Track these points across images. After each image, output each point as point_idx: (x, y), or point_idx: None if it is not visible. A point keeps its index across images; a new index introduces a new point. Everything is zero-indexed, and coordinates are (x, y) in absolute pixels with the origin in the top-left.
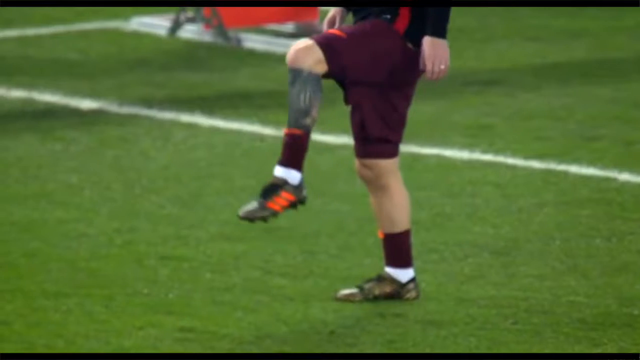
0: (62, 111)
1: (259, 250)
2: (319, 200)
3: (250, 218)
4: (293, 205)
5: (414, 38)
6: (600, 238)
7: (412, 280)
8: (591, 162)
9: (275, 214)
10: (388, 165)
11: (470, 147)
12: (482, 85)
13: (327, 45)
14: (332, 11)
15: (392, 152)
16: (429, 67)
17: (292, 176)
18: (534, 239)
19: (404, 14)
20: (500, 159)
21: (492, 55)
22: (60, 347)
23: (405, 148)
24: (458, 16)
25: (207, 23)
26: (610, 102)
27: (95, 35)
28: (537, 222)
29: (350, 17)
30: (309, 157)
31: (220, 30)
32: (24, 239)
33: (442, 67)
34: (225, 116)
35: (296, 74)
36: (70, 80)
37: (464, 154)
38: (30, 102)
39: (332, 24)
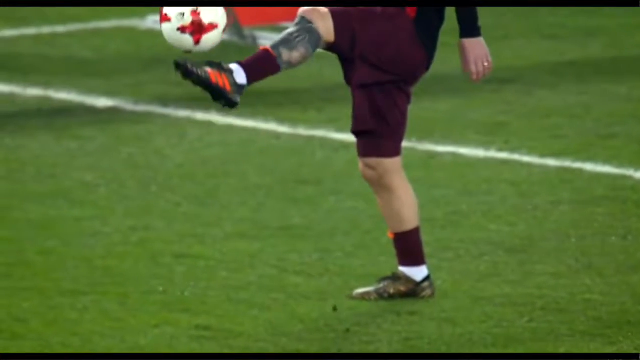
0: (77, 109)
1: (275, 249)
2: (334, 198)
3: (182, 67)
4: (223, 93)
5: (422, 29)
6: (616, 236)
7: (427, 278)
8: (607, 160)
9: (206, 81)
10: (391, 164)
11: (486, 145)
12: (498, 83)
13: (339, 17)
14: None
15: (395, 151)
16: (472, 69)
17: (240, 74)
18: (550, 237)
19: (409, 11)
20: (516, 157)
21: (508, 53)
22: (76, 345)
23: (420, 146)
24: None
25: None
26: (626, 100)
27: (111, 34)
28: (552, 220)
29: None
30: (324, 155)
31: (236, 28)
32: (40, 237)
33: (486, 64)
34: (241, 114)
35: (304, 20)
36: (86, 79)
37: (479, 152)
38: (46, 100)
39: None
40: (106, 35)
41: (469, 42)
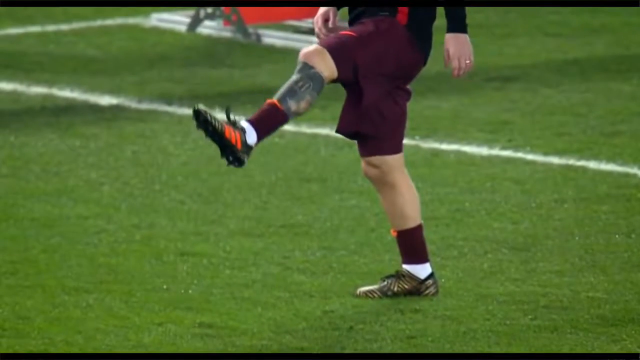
0: (82, 107)
1: (278, 246)
2: (337, 196)
3: (202, 116)
4: (233, 150)
5: (415, 32)
6: (620, 234)
7: (431, 276)
8: (611, 158)
9: (220, 135)
10: (394, 161)
11: (489, 143)
12: (502, 81)
13: (338, 51)
14: (326, 7)
15: (397, 148)
16: (454, 64)
17: (251, 134)
18: (554, 235)
19: (403, 11)
20: (519, 154)
21: (512, 51)
22: (79, 343)
23: (424, 144)
24: (478, 12)
25: (227, 19)
26: (630, 98)
27: (115, 32)
28: (556, 218)
29: (346, 15)
30: (328, 153)
31: (240, 26)
32: (44, 234)
33: (467, 62)
34: (245, 112)
35: (305, 66)
36: (90, 77)
37: (483, 150)
38: (50, 98)
39: (325, 19)
40: (110, 33)
41: (454, 38)
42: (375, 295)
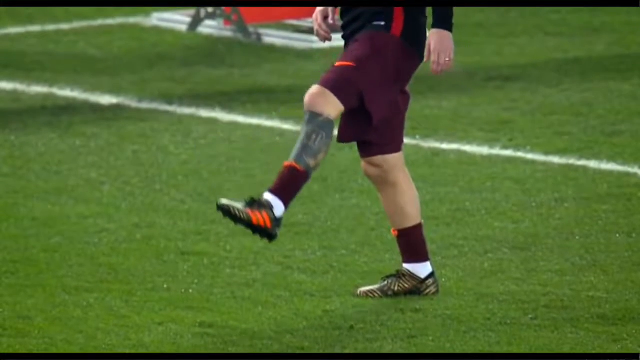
0: (82, 107)
1: (279, 246)
2: (338, 195)
3: (226, 210)
4: (264, 231)
5: (410, 38)
6: (620, 233)
7: (431, 275)
8: (611, 158)
9: (248, 223)
10: (395, 160)
11: (490, 142)
12: (502, 80)
13: (340, 87)
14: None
15: (398, 147)
16: (434, 58)
17: (278, 206)
18: (554, 235)
19: (398, 16)
20: (520, 154)
21: (512, 50)
22: (80, 343)
23: (425, 143)
24: (478, 12)
25: (227, 19)
26: (630, 97)
27: (116, 31)
28: (557, 217)
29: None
30: (329, 153)
31: (241, 25)
32: (45, 234)
33: (447, 59)
34: (245, 111)
35: (313, 116)
36: (91, 76)
37: (484, 150)
38: (50, 97)
39: (325, 15)
40: (111, 32)
41: (437, 33)
42: (376, 295)
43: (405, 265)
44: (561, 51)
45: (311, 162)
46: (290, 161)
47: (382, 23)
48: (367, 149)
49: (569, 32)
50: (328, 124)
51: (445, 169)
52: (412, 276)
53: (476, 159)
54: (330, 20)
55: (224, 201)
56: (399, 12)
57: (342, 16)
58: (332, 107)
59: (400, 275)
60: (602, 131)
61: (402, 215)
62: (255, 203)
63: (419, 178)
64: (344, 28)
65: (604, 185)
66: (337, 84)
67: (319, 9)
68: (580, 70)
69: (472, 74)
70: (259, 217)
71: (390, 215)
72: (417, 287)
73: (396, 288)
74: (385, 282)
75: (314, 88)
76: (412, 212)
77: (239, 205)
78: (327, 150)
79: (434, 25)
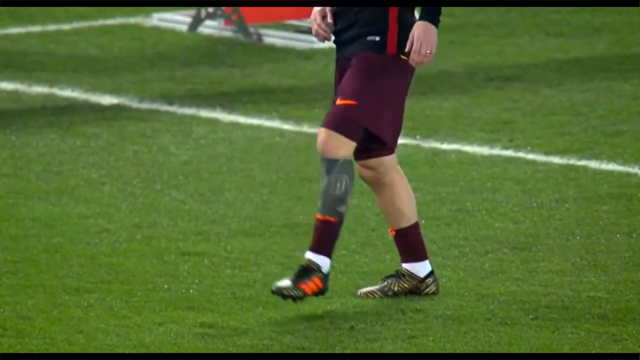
0: (83, 107)
1: (280, 246)
2: None
3: (282, 295)
4: (319, 293)
5: (403, 49)
6: (621, 233)
7: (431, 274)
8: (612, 158)
9: (305, 295)
10: (390, 161)
11: (490, 142)
12: (503, 80)
13: (346, 127)
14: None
15: (393, 149)
16: (416, 47)
17: (324, 262)
18: (555, 235)
19: (393, 28)
20: (520, 154)
21: (513, 50)
22: (80, 343)
23: (425, 144)
24: (479, 11)
25: (228, 19)
26: (631, 97)
27: (116, 31)
28: (557, 217)
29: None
30: None
31: (241, 26)
32: (45, 234)
33: (429, 51)
34: (246, 112)
35: (330, 163)
36: (91, 76)
37: (484, 150)
38: (51, 97)
39: (323, 15)
40: (112, 33)
41: (423, 25)
42: (376, 295)
43: (404, 265)
44: (562, 51)
45: (342, 209)
46: (322, 215)
47: (377, 38)
48: (364, 153)
49: (569, 32)
50: (346, 165)
51: (446, 169)
52: (412, 276)
53: (477, 159)
54: (329, 19)
55: (275, 287)
56: (393, 23)
57: (335, 21)
58: (345, 148)
59: (400, 275)
60: (603, 131)
61: (400, 215)
62: (303, 272)
63: (419, 178)
64: (336, 34)
65: (604, 185)
66: (343, 124)
67: (316, 9)
68: (580, 70)
69: (473, 74)
70: (312, 286)
71: (387, 216)
72: (417, 287)
73: (396, 288)
74: (385, 283)
75: (322, 133)
76: (409, 211)
77: (289, 284)
78: (352, 188)
79: (421, 19)
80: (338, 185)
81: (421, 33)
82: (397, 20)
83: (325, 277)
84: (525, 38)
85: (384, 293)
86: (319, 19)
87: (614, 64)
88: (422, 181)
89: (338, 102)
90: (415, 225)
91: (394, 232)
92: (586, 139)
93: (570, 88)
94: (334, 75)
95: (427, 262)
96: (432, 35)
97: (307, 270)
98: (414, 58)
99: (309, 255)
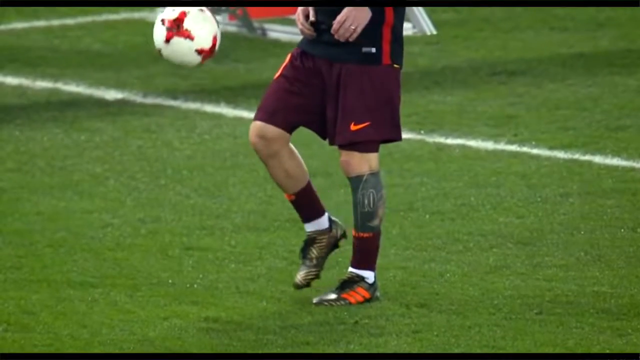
0: (87, 102)
1: (284, 241)
2: (343, 190)
3: (323, 305)
4: (367, 301)
5: (397, 56)
6: (625, 228)
7: (332, 222)
8: (616, 152)
9: (348, 304)
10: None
11: (495, 137)
12: (507, 75)
13: (364, 144)
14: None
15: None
16: (340, 17)
17: (368, 275)
18: (559, 230)
19: (386, 38)
20: (525, 149)
21: (517, 45)
22: (85, 338)
23: (430, 138)
24: (483, 6)
25: (232, 14)
26: (635, 92)
27: (121, 26)
28: (561, 212)
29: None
30: (333, 147)
31: (245, 20)
32: (50, 229)
33: (353, 27)
34: (250, 106)
35: (356, 181)
36: (96, 71)
37: (488, 145)
38: (55, 92)
39: (306, 14)
40: (116, 27)
41: (360, 7)
42: (315, 276)
43: (307, 227)
44: (566, 46)
45: (376, 222)
46: (355, 232)
47: (373, 50)
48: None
49: (574, 27)
50: (372, 179)
51: (450, 164)
52: (318, 232)
53: (481, 154)
54: (311, 17)
55: (317, 300)
56: (386, 34)
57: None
58: (367, 163)
59: (309, 240)
60: (607, 126)
61: (295, 178)
62: (346, 284)
63: (423, 173)
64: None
65: (608, 180)
66: (361, 143)
67: (300, 9)
68: (585, 65)
69: (477, 69)
70: (356, 296)
71: (282, 184)
72: (330, 239)
73: (316, 252)
74: (306, 260)
75: (344, 156)
76: (301, 173)
77: (333, 296)
78: (383, 199)
79: (360, 3)
80: (365, 202)
81: (352, 10)
82: (390, 32)
83: (371, 286)
84: (530, 33)
85: (315, 267)
86: (302, 19)
87: (618, 59)
88: (427, 176)
89: (352, 127)
90: (309, 184)
91: (292, 197)
92: (590, 133)
93: (574, 83)
94: (288, 62)
95: (326, 214)
96: (363, 14)
97: (349, 281)
98: (334, 28)
99: (350, 269)
